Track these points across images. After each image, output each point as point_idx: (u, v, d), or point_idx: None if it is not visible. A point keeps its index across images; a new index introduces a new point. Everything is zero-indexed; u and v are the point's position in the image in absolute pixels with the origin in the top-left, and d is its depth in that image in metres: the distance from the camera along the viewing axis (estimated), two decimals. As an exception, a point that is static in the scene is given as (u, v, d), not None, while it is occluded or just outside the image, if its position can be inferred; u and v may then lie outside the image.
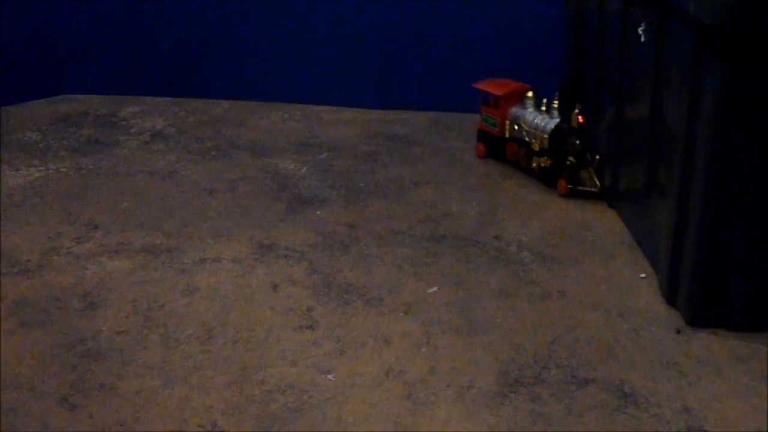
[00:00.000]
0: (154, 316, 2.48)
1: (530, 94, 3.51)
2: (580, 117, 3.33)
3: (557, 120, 3.37)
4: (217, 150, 3.76)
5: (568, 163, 3.35)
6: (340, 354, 2.30)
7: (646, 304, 2.56)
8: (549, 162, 3.35)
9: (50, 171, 3.57)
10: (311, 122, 4.11)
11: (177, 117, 4.20)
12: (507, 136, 3.55)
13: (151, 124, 4.12)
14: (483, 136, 3.64)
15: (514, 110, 3.49)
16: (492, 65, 4.18)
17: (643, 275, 2.73)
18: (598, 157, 3.35)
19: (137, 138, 3.93)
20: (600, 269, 2.80)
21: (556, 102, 3.41)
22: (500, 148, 3.61)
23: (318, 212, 3.15)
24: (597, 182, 3.34)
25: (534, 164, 3.44)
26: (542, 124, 3.39)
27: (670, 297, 2.54)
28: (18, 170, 3.60)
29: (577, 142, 3.33)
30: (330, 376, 2.20)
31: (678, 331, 2.40)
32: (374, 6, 4.23)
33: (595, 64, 3.42)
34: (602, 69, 3.33)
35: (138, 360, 2.27)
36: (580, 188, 3.35)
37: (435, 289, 2.63)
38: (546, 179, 3.40)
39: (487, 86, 3.58)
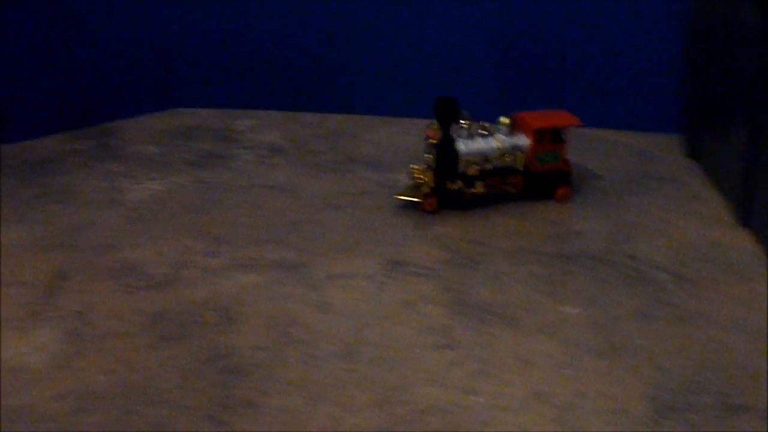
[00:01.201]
0: (292, 332, 2.48)
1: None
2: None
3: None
4: (335, 164, 3.75)
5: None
6: (484, 375, 2.26)
7: (795, 327, 2.47)
8: None
9: (171, 184, 3.61)
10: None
11: (291, 131, 4.21)
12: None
13: (266, 138, 4.14)
14: None
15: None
16: (606, 80, 4.12)
17: (787, 297, 2.63)
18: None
19: (254, 152, 3.95)
20: (739, 290, 2.71)
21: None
22: None
23: (443, 229, 3.10)
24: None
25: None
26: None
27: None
28: (139, 183, 3.64)
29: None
30: (477, 398, 2.15)
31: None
32: (489, 18, 4.18)
33: (722, 82, 3.33)
34: (732, 86, 3.23)
35: (280, 377, 2.26)
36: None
37: (574, 310, 2.57)
38: None
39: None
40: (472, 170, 3.27)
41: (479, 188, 3.29)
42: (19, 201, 3.51)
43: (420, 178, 3.27)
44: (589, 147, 3.87)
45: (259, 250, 2.99)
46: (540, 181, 3.35)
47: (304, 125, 4.30)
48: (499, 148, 3.29)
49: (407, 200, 3.28)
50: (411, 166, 3.34)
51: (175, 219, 3.27)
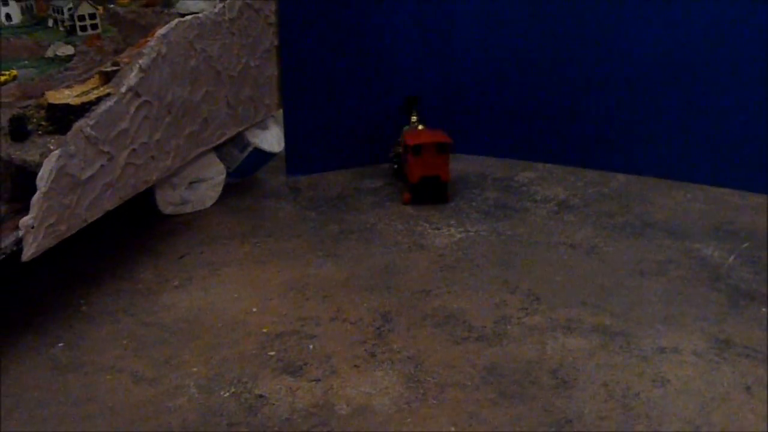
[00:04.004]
0: (632, 404, 2.48)
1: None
2: None
3: None
4: (631, 227, 3.73)
5: None
6: None
7: None
8: None
9: (470, 233, 3.69)
10: (718, 205, 3.99)
11: (576, 187, 4.22)
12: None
13: (553, 192, 4.17)
14: None
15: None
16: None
17: None
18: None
19: (544, 206, 3.98)
20: None
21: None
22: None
23: (764, 309, 3.03)
24: None
25: None
26: None
27: None
28: (438, 229, 3.75)
29: None
30: None
31: None
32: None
33: None
34: None
35: (632, 451, 2.25)
36: None
37: None
38: None
39: None
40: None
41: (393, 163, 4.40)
42: (326, 236, 3.67)
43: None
44: None
45: (577, 312, 3.01)
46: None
47: (588, 183, 4.29)
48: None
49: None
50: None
51: (484, 270, 3.34)
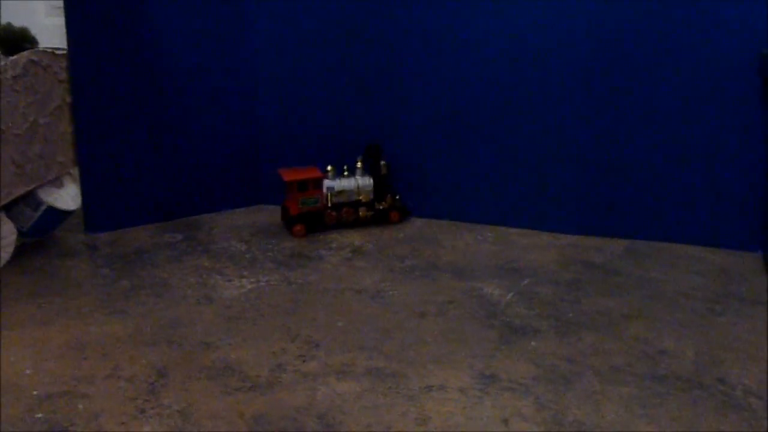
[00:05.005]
0: (391, 444, 2.52)
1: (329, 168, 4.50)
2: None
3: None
4: (419, 270, 3.83)
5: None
6: (587, 500, 2.28)
7: None
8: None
9: (261, 284, 3.71)
10: (506, 245, 4.16)
11: (372, 234, 4.32)
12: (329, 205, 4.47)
13: (349, 239, 4.25)
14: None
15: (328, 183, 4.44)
16: (685, 193, 4.18)
17: None
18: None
19: (338, 254, 4.05)
20: (835, 422, 2.71)
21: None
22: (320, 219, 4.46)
23: (533, 343, 3.16)
24: None
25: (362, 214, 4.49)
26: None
27: None
28: (230, 281, 3.75)
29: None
30: None
31: None
32: (573, 129, 4.28)
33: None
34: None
35: (384, 490, 2.30)
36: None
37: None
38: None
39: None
40: None
41: None
42: (116, 293, 3.62)
43: None
44: (671, 263, 3.91)
45: (353, 356, 3.06)
46: None
47: (384, 228, 4.40)
48: None
49: None
50: None
51: (268, 320, 3.36)
